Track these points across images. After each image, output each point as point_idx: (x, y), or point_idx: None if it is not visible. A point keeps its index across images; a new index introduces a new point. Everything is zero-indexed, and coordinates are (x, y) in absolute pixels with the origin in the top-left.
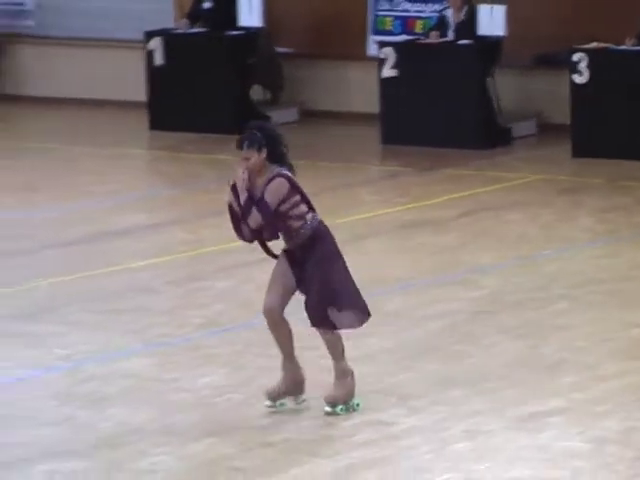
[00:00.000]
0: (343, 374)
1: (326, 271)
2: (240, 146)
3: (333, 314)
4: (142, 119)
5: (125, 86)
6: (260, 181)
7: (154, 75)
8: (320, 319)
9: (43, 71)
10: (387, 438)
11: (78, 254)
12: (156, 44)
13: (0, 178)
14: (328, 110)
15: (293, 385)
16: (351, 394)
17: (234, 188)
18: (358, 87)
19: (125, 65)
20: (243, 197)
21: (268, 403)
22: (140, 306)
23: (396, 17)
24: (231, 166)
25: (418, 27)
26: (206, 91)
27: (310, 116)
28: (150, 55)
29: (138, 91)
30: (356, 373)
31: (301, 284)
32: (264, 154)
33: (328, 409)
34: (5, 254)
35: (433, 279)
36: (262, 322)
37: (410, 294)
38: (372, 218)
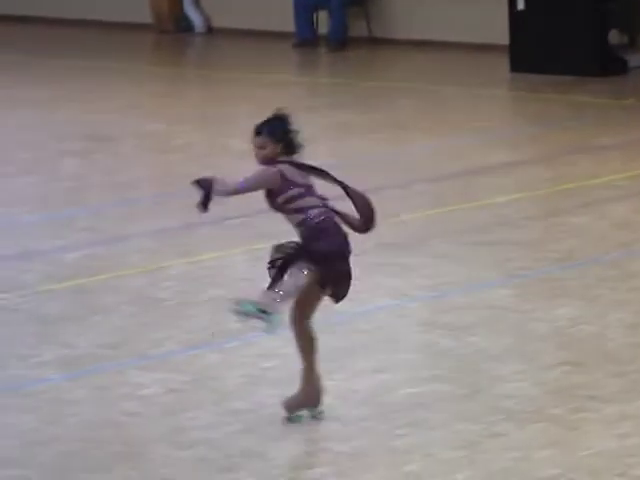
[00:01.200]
0: None
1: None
2: (258, 133)
3: None
4: (503, 61)
5: (487, 30)
6: None
7: (516, 19)
8: None
9: (409, 15)
10: None
11: (446, 189)
12: None
13: (372, 117)
14: None
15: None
16: None
17: None
18: None
19: (487, 9)
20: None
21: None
22: (502, 239)
23: None
24: (590, 107)
25: None
26: (566, 34)
27: None
28: (513, 0)
29: (500, 35)
30: None
31: None
32: (279, 147)
33: None
34: (377, 188)
35: None
36: (613, 258)
37: None
38: None
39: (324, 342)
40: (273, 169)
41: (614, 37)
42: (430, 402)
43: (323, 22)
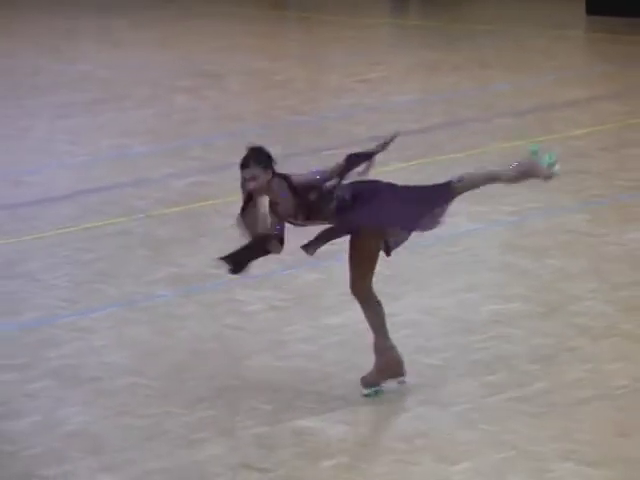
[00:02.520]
0: None
1: None
2: (244, 165)
3: None
4: (580, 5)
5: None
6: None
7: None
8: None
9: None
10: None
11: (525, 123)
12: None
13: (457, 56)
14: None
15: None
16: None
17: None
18: None
19: None
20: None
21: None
22: (578, 169)
23: None
24: None
25: None
26: None
27: None
28: None
29: None
30: None
31: None
32: (270, 173)
33: None
34: (462, 121)
35: None
36: None
37: None
38: None
39: (415, 262)
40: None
41: None
42: (510, 319)
43: None
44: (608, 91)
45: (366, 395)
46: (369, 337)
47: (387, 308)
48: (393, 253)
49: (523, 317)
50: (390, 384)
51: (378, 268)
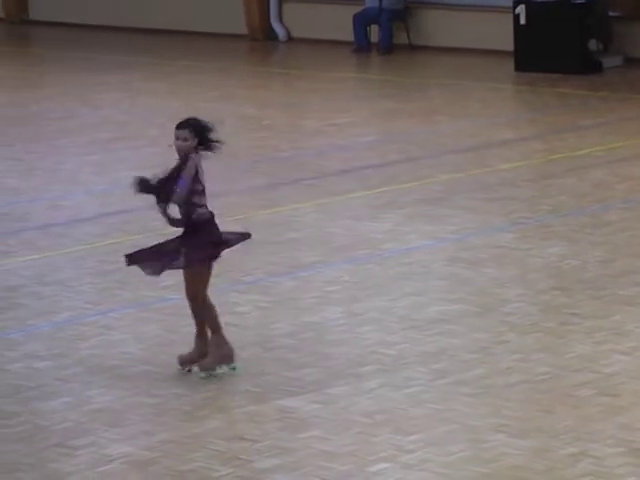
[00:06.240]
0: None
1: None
2: (181, 126)
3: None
4: (509, 63)
5: (498, 38)
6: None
7: (519, 32)
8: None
9: (439, 28)
10: None
11: (466, 158)
12: (521, 9)
13: (411, 104)
14: None
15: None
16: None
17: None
18: None
19: (498, 23)
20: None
21: (180, 368)
22: (507, 196)
23: None
24: (574, 97)
25: None
26: (556, 42)
27: (631, 61)
28: (517, 17)
29: (507, 43)
30: None
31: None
32: (195, 142)
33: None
34: (415, 158)
35: None
36: (591, 210)
37: None
38: None
39: (375, 272)
40: (192, 161)
41: (592, 45)
42: (453, 317)
43: (374, 33)
44: (532, 133)
45: (202, 377)
46: (337, 333)
47: (353, 309)
48: (361, 264)
49: (463, 316)
50: (224, 369)
51: (346, 277)
